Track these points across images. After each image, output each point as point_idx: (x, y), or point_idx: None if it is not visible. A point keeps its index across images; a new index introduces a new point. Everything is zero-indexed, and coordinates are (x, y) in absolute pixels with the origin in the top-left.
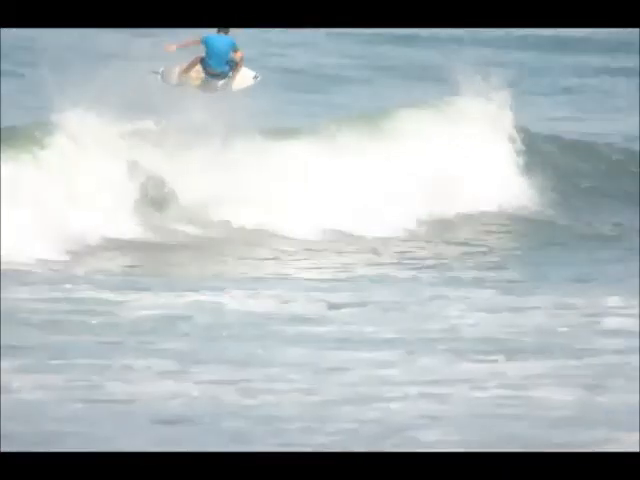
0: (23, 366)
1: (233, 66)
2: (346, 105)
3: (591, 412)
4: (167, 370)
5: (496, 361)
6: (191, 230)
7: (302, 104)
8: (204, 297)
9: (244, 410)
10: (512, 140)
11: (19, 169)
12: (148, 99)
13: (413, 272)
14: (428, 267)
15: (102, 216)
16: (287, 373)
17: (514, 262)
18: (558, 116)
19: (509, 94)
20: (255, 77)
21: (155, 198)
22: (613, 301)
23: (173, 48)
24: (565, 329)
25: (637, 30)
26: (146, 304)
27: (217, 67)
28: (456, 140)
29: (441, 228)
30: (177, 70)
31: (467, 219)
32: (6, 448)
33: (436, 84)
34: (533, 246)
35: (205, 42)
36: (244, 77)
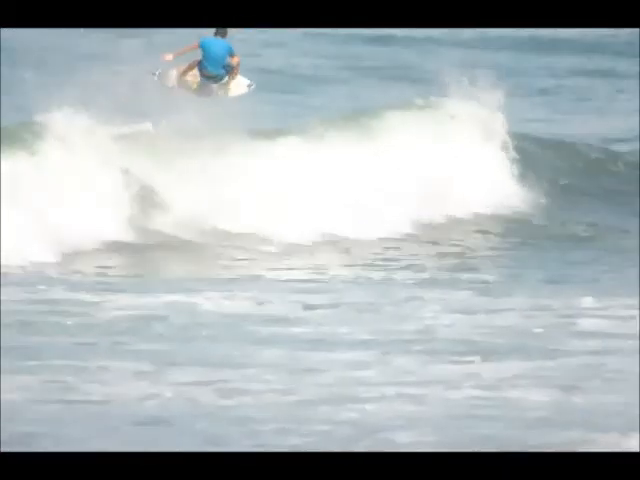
0: None
1: (229, 70)
2: (323, 106)
3: (566, 413)
4: (143, 371)
5: (471, 362)
6: (170, 231)
7: (279, 105)
8: (180, 298)
9: (219, 411)
10: (490, 140)
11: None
12: (137, 100)
13: (388, 273)
14: (403, 268)
15: (80, 217)
16: (262, 374)
17: (489, 263)
18: (534, 117)
19: (497, 95)
20: (249, 85)
21: (138, 200)
22: (588, 302)
23: (170, 57)
24: (540, 330)
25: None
26: (122, 305)
27: (213, 70)
28: (441, 141)
29: (417, 229)
30: (174, 72)
31: (443, 220)
32: None
33: (414, 84)
34: (509, 247)
35: (202, 45)
36: (239, 84)
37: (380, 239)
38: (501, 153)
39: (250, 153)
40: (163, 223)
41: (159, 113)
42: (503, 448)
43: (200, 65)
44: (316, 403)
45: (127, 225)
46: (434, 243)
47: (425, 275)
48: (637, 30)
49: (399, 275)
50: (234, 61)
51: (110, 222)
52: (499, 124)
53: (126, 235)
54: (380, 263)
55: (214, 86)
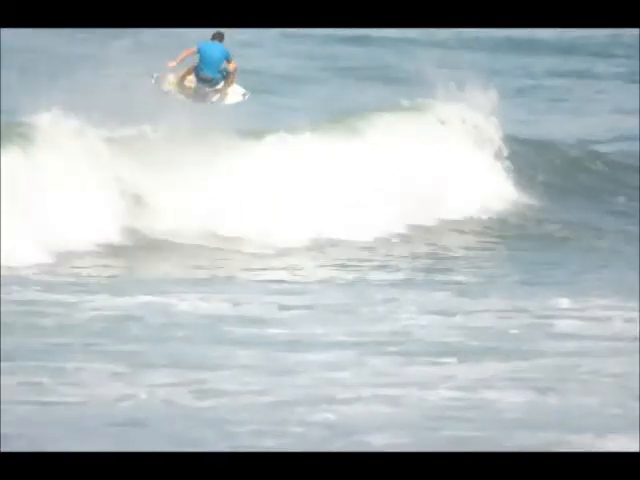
0: None
1: (225, 75)
2: (303, 106)
3: (542, 414)
4: (118, 372)
5: (447, 363)
6: (148, 232)
7: (258, 105)
8: (155, 299)
9: (195, 412)
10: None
11: None
12: (127, 102)
13: (364, 274)
14: (378, 269)
15: (62, 218)
16: (238, 375)
17: (465, 264)
18: (512, 118)
19: (487, 96)
20: (244, 94)
21: (125, 201)
22: (564, 303)
23: (174, 64)
24: (516, 331)
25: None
26: (98, 306)
27: (209, 73)
28: (427, 143)
29: (391, 231)
30: (172, 77)
31: (418, 222)
32: None
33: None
34: (485, 247)
35: (199, 49)
36: (235, 93)
37: (356, 241)
38: (484, 154)
39: (236, 155)
40: (148, 225)
41: (149, 115)
42: (479, 449)
43: (197, 69)
44: (292, 404)
45: (111, 227)
46: (409, 244)
47: (401, 276)
48: (613, 31)
49: (375, 276)
50: (231, 67)
51: (94, 224)
52: (485, 126)
53: (110, 237)
54: (356, 264)
55: (210, 92)
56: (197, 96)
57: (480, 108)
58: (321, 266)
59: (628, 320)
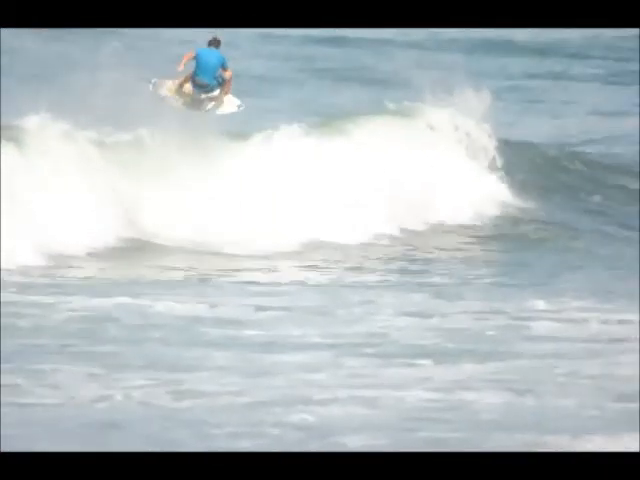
0: None
1: (221, 82)
2: (280, 108)
3: (519, 416)
4: (94, 373)
5: (424, 365)
6: (127, 234)
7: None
8: (132, 301)
9: (171, 414)
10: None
11: None
12: (117, 106)
13: (341, 276)
14: (355, 271)
15: (40, 220)
16: (215, 377)
17: (442, 266)
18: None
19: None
20: (239, 106)
21: (110, 204)
22: (540, 305)
23: (182, 67)
24: (493, 333)
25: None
26: (74, 307)
27: (205, 78)
28: (412, 145)
29: (368, 232)
30: (170, 83)
31: (395, 223)
32: None
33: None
34: (462, 249)
35: (197, 54)
36: (230, 103)
37: (332, 242)
38: (460, 155)
39: (218, 157)
40: (128, 227)
41: (137, 118)
42: (455, 451)
43: (193, 74)
44: (268, 405)
45: (92, 229)
46: (385, 246)
47: (377, 278)
48: (590, 32)
49: (352, 278)
50: (227, 75)
51: (76, 226)
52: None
53: (89, 239)
54: (333, 266)
55: (205, 100)
56: (193, 103)
57: (467, 111)
58: (298, 267)
59: (604, 322)
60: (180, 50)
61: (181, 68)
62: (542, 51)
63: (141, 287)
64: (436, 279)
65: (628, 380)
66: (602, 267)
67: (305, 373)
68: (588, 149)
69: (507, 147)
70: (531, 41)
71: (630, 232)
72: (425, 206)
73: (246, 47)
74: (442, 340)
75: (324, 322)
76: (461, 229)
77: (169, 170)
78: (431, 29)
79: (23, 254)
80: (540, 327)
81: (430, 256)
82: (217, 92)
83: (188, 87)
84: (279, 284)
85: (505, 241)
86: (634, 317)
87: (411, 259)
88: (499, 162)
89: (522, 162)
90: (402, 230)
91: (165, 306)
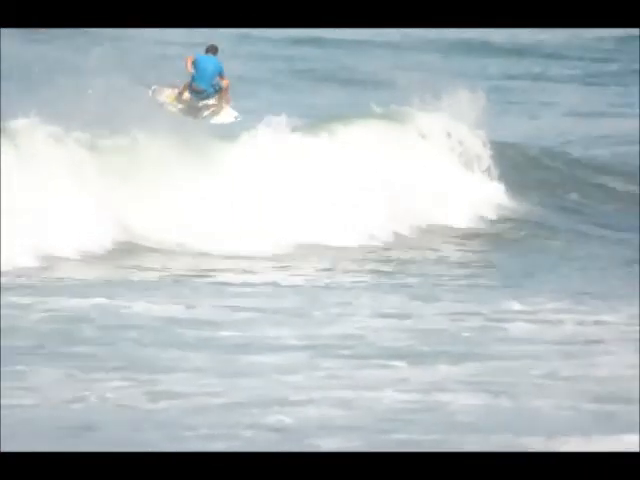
0: None
1: (217, 90)
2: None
3: (495, 417)
4: (70, 374)
5: (400, 367)
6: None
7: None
8: (108, 301)
9: (146, 415)
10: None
11: None
12: (106, 109)
13: (318, 278)
14: (332, 272)
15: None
16: (191, 378)
17: (418, 268)
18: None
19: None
20: (236, 117)
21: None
22: (515, 306)
23: (190, 70)
24: (468, 334)
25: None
26: (50, 307)
27: (202, 85)
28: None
29: (342, 233)
30: (169, 91)
31: (369, 224)
32: None
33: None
34: (438, 251)
35: (195, 60)
36: (227, 114)
37: (306, 244)
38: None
39: (210, 158)
40: (107, 228)
41: (126, 120)
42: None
43: (190, 81)
44: (244, 407)
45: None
46: (362, 247)
47: (354, 280)
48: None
49: (328, 280)
50: (224, 83)
51: (63, 227)
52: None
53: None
54: (309, 268)
55: (202, 108)
56: (190, 110)
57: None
58: (274, 268)
59: (580, 323)
60: (156, 50)
61: (190, 70)
62: (520, 52)
63: (116, 287)
64: (412, 280)
65: (604, 381)
66: (577, 268)
67: (281, 374)
68: (566, 149)
69: (486, 147)
70: (508, 42)
71: (606, 231)
72: (402, 207)
73: (224, 47)
74: (418, 341)
75: (300, 323)
76: (436, 230)
77: (158, 172)
78: (408, 30)
79: (6, 256)
80: (516, 328)
81: (405, 257)
82: (213, 99)
83: (187, 95)
84: (254, 285)
85: (481, 241)
86: (610, 318)
87: (387, 260)
88: (483, 165)
89: (501, 162)
90: (378, 231)
91: (141, 307)
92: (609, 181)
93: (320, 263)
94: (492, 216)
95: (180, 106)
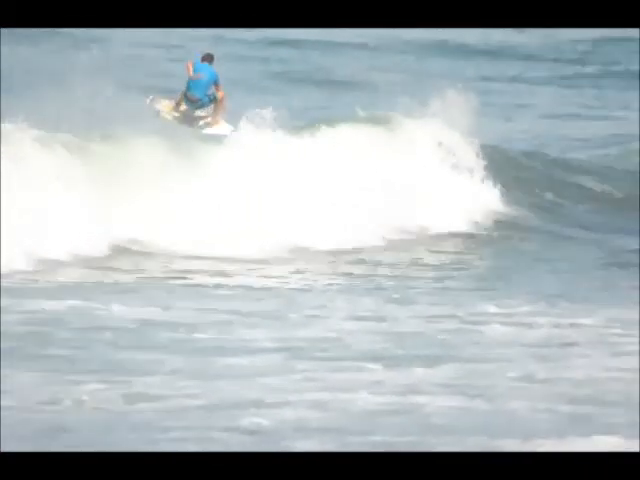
0: None
1: (212, 100)
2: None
3: (471, 419)
4: (44, 377)
5: (375, 369)
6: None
7: None
8: (83, 303)
9: (121, 417)
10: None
11: None
12: (93, 112)
13: (294, 280)
14: (307, 275)
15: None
16: (166, 380)
17: (393, 271)
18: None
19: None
20: (232, 131)
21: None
22: (491, 308)
23: (191, 73)
24: (444, 337)
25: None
26: (24, 309)
27: (197, 93)
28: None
29: (321, 237)
30: (166, 102)
31: (347, 227)
32: None
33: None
34: (413, 254)
35: (193, 67)
36: (223, 128)
37: (284, 247)
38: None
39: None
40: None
41: (112, 123)
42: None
43: (185, 90)
44: (220, 409)
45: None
46: (336, 250)
47: (330, 282)
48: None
49: (304, 282)
50: (220, 95)
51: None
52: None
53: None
54: (284, 270)
55: (198, 118)
56: (185, 119)
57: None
58: (250, 271)
59: (556, 325)
60: (131, 52)
61: (191, 73)
62: (495, 54)
63: (92, 289)
64: (387, 283)
65: (579, 384)
66: (553, 270)
67: (257, 377)
68: (543, 151)
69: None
70: (484, 44)
71: (581, 232)
72: (377, 209)
73: (198, 49)
74: (393, 344)
75: (276, 326)
76: (410, 232)
77: (144, 174)
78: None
79: None
80: (491, 331)
81: (380, 259)
82: (208, 109)
83: (184, 107)
84: (231, 287)
85: (455, 243)
86: (585, 321)
87: (361, 263)
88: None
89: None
90: (352, 233)
91: (116, 309)
92: (585, 180)
93: (295, 265)
94: (466, 218)
95: (176, 114)
